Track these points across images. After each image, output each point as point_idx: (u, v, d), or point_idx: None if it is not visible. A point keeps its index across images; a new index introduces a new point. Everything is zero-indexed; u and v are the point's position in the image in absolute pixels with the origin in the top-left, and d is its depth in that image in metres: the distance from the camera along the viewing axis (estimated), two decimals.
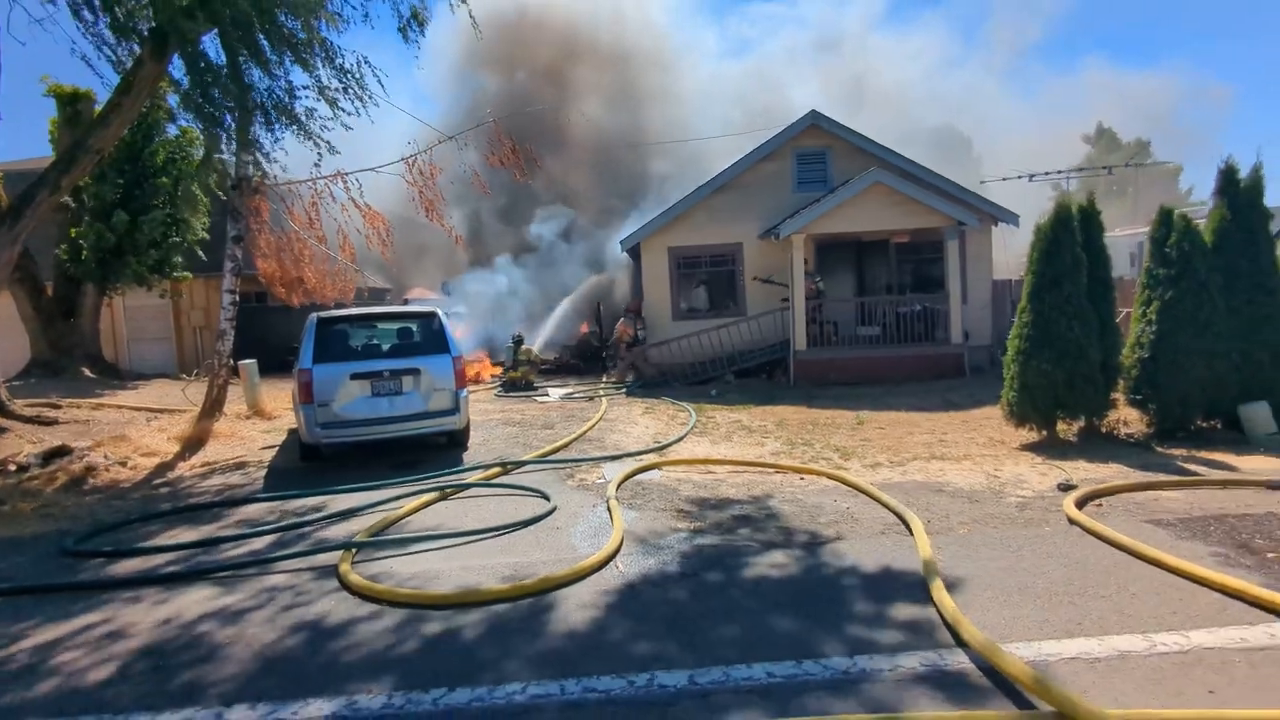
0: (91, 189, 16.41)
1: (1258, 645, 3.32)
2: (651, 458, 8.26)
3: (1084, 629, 3.57)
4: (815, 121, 16.05)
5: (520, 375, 15.30)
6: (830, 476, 7.07)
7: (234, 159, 10.62)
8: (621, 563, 4.85)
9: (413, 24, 9.59)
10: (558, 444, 9.03)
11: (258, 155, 9.62)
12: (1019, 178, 33.80)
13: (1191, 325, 8.13)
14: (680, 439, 9.39)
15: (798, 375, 14.58)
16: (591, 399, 13.57)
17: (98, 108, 11.05)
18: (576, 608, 4.17)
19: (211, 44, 8.87)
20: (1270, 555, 4.44)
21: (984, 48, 68.12)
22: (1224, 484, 6.22)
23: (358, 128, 9.42)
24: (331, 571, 4.92)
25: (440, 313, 8.92)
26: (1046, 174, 36.24)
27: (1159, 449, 7.91)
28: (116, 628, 4.19)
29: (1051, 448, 8.18)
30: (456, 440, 9.18)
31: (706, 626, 3.83)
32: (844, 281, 16.61)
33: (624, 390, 14.55)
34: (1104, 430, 8.60)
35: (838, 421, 10.50)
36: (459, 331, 17.61)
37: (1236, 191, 8.49)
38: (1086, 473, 6.94)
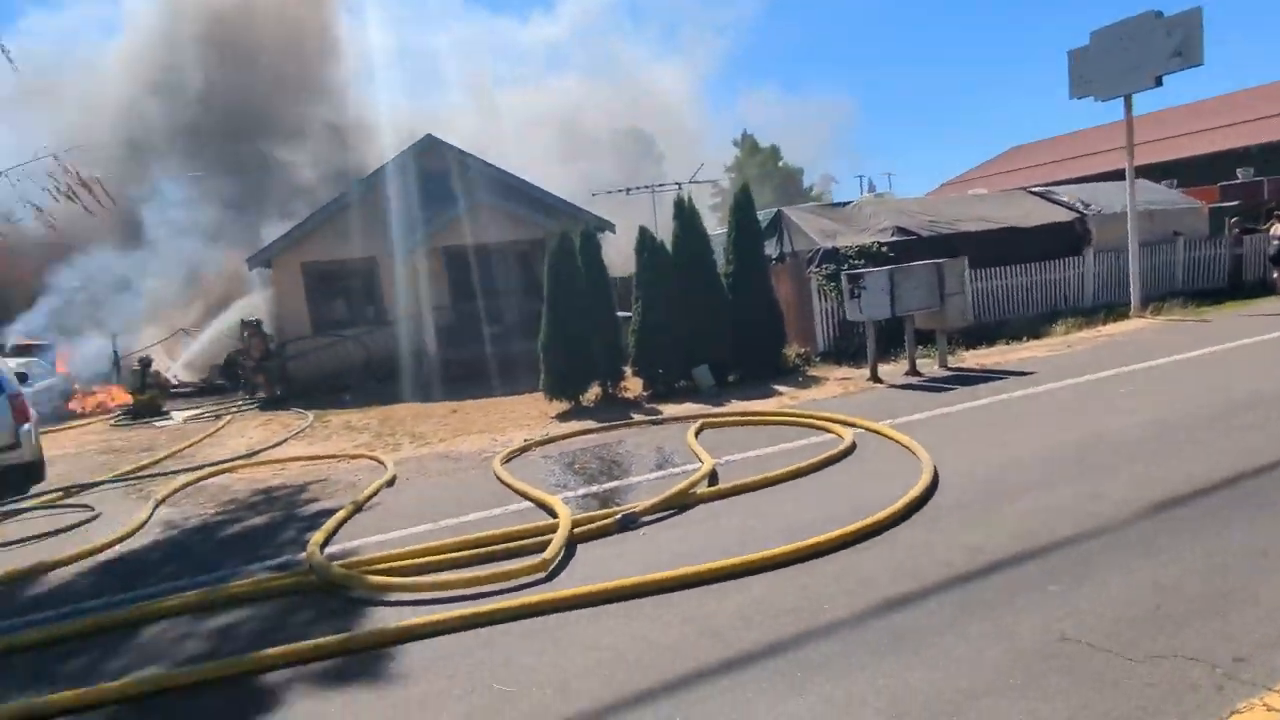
0: None
1: (494, 514, 5.66)
2: (240, 463, 9.40)
3: (404, 525, 5.68)
4: (432, 143, 17.85)
5: (147, 399, 15.16)
6: (367, 458, 8.83)
7: None
8: (120, 547, 6.11)
9: None
10: (141, 464, 9.76)
11: None
12: (699, 182, 39.33)
13: (661, 315, 11.17)
14: (276, 444, 10.57)
15: (433, 375, 16.31)
16: (218, 417, 14.07)
17: None
18: (57, 581, 5.41)
19: None
20: (576, 468, 7.03)
21: (679, 56, 75.34)
22: (628, 425, 9.04)
23: None
24: None
25: None
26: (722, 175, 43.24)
27: (646, 404, 10.80)
28: None
29: (575, 413, 10.73)
30: (31, 475, 9.47)
31: (150, 569, 5.32)
32: (472, 287, 18.65)
33: (257, 406, 15.19)
34: (618, 395, 11.41)
35: (437, 413, 12.34)
36: (61, 364, 16.83)
37: (684, 214, 11.72)
38: (574, 429, 9.40)
